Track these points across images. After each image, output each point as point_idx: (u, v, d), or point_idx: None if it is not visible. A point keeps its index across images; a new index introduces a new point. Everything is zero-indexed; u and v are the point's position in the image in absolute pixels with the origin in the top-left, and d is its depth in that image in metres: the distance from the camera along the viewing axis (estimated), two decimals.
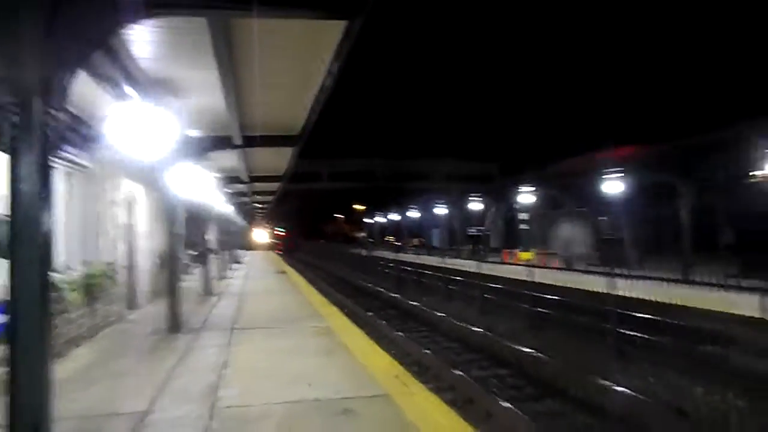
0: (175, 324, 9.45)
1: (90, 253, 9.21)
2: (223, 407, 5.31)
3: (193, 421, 4.92)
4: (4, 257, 5.69)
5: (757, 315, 7.78)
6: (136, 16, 3.82)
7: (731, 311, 8.69)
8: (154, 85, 6.66)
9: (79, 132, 7.63)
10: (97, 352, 7.89)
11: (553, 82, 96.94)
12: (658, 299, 10.86)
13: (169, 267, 9.81)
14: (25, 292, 3.59)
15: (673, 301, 10.67)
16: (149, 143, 6.49)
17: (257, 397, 5.58)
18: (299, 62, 6.36)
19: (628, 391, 7.38)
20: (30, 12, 3.47)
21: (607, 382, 7.87)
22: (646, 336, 9.90)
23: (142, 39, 5.28)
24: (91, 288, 8.74)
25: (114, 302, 10.22)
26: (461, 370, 8.84)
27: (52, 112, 3.68)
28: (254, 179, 17.45)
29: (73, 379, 6.37)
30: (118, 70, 5.89)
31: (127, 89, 6.36)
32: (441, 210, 40.96)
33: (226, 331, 9.33)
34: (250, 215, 43.82)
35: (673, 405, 7.17)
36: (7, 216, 5.56)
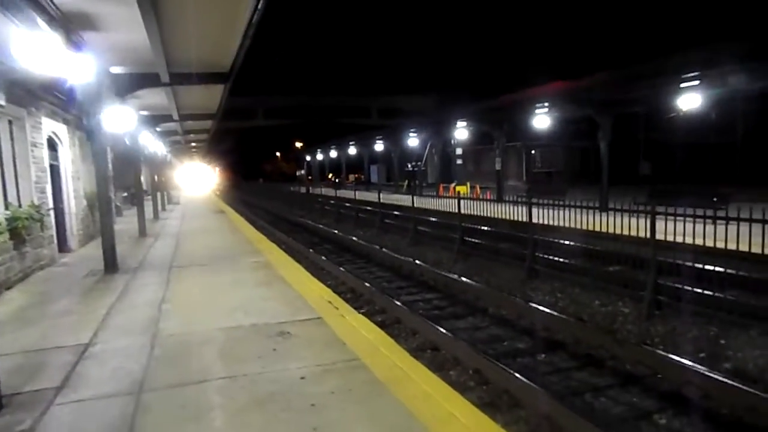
0: (111, 265, 9.50)
1: (12, 197, 9.00)
2: (164, 336, 5.62)
3: (136, 349, 5.22)
4: None
5: (647, 236, 8.75)
6: None
7: (633, 234, 9.68)
8: (70, 19, 6.45)
9: None
10: (30, 295, 7.90)
11: (493, 15, 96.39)
12: (574, 226, 11.83)
13: (101, 207, 9.74)
14: None
15: (586, 227, 11.67)
16: (68, 78, 6.38)
17: (197, 326, 5.92)
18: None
19: (538, 306, 8.28)
20: None
21: (520, 300, 8.77)
22: (559, 258, 10.89)
23: None
24: (18, 231, 8.62)
25: (44, 246, 10.10)
26: (391, 295, 9.52)
27: None
28: (186, 117, 16.99)
29: (9, 320, 6.44)
30: (31, 4, 5.70)
31: (41, 24, 6.17)
32: (379, 146, 41.21)
33: (164, 270, 9.48)
34: (185, 155, 42.44)
35: (573, 314, 8.19)
36: None
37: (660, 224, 8.61)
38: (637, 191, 17.85)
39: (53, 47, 5.86)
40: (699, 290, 7.79)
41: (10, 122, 8.96)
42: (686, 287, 7.89)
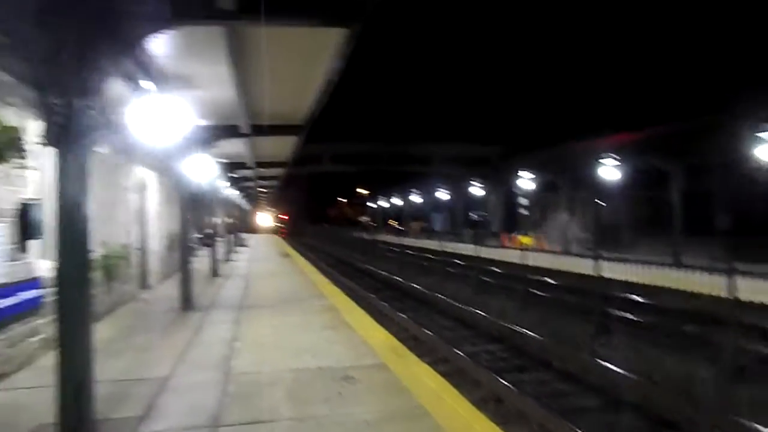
0: (187, 302, 10.05)
1: (105, 236, 9.80)
2: (236, 374, 5.89)
3: (211, 385, 5.50)
4: (36, 237, 6.32)
5: (723, 294, 8.36)
6: (162, 26, 4.34)
7: (706, 292, 9.28)
8: (168, 79, 7.17)
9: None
10: (116, 328, 8.47)
11: (554, 67, 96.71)
12: (643, 281, 11.46)
13: (181, 249, 10.40)
14: (70, 268, 4.17)
15: (657, 283, 11.27)
16: (163, 132, 7.02)
17: (267, 365, 6.16)
18: (305, 59, 6.87)
19: (606, 363, 8.00)
20: (71, 22, 3.99)
21: (587, 356, 8.50)
22: (627, 314, 10.51)
23: (160, 39, 5.76)
24: (109, 268, 9.35)
25: (128, 282, 10.85)
26: (454, 345, 9.48)
27: (90, 110, 4.23)
28: (259, 165, 17.98)
29: (97, 351, 6.93)
30: (137, 66, 6.42)
31: (144, 83, 6.91)
32: (442, 194, 41.47)
33: (234, 309, 9.92)
34: (255, 200, 44.33)
35: (644, 374, 7.82)
36: (37, 200, 6.19)
37: (741, 282, 8.21)
38: (714, 245, 17.01)
39: (152, 105, 6.53)
40: None
41: (108, 169, 9.86)
42: None
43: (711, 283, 9.97)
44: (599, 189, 31.72)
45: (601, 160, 21.24)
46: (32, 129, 5.29)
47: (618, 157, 20.31)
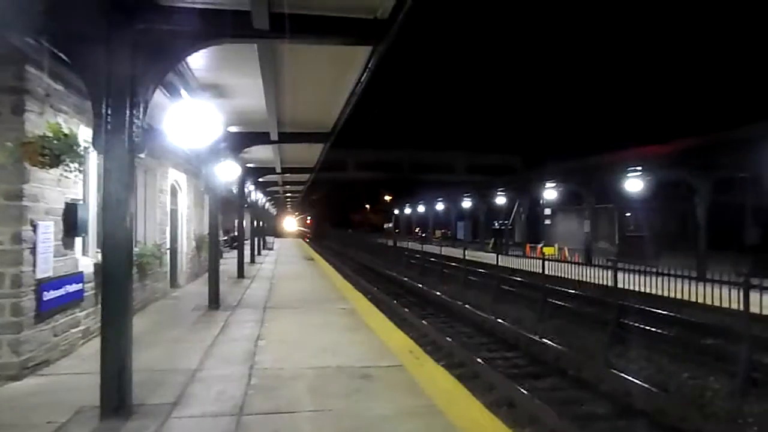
0: (214, 301, 10.47)
1: (140, 235, 10.29)
2: (260, 368, 6.23)
3: (237, 378, 5.85)
4: (80, 235, 6.77)
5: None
6: (203, 44, 4.73)
7: (733, 306, 9.23)
8: (204, 89, 7.61)
9: None
10: (148, 323, 8.91)
11: (572, 77, 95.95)
12: (666, 294, 11.45)
13: (210, 250, 10.83)
14: (114, 263, 4.56)
15: (680, 296, 11.24)
16: (197, 137, 7.44)
17: (289, 362, 6.48)
18: (332, 73, 7.23)
19: (619, 372, 8.11)
20: (122, 39, 4.40)
21: (602, 365, 8.61)
22: (646, 326, 10.52)
23: (199, 54, 6.18)
24: (143, 266, 9.83)
25: (160, 281, 11.33)
26: (471, 351, 9.68)
27: (137, 120, 4.63)
28: (286, 170, 18.45)
29: (133, 343, 7.34)
30: (177, 77, 6.85)
31: (182, 92, 7.34)
32: (466, 203, 41.44)
33: (259, 309, 10.30)
34: (280, 204, 44.99)
35: (657, 383, 7.91)
36: (80, 200, 6.65)
37: (759, 297, 8.24)
38: (742, 260, 16.76)
39: (188, 112, 6.95)
40: None
41: (145, 171, 10.38)
42: None
43: (734, 299, 9.93)
44: (624, 201, 31.39)
45: (627, 173, 21.12)
46: (79, 135, 5.72)
47: (645, 170, 20.18)
